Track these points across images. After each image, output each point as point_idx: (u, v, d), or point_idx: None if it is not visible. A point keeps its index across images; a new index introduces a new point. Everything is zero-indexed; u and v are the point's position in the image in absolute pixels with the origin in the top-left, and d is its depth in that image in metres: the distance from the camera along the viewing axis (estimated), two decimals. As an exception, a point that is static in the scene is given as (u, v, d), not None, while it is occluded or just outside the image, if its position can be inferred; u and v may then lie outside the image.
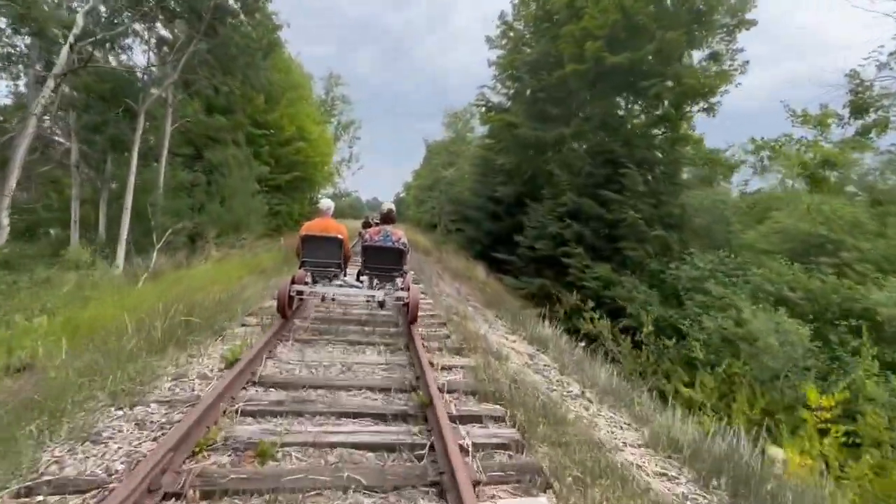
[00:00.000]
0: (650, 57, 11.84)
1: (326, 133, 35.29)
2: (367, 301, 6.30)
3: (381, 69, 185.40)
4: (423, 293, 8.15)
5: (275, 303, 5.36)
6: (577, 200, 12.63)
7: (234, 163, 17.65)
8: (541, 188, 15.82)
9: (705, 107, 12.25)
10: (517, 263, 14.96)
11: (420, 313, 5.65)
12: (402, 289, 5.49)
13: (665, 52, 11.83)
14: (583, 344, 7.17)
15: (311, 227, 5.55)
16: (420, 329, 5.47)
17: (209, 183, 17.55)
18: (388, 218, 5.90)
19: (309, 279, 5.57)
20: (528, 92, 16.62)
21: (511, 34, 20.48)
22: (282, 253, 15.38)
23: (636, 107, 13.28)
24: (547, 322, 8.90)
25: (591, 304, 9.35)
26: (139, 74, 12.51)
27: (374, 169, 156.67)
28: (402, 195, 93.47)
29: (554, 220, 13.20)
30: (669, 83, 11.94)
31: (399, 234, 5.67)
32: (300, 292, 5.23)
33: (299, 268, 5.59)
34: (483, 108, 20.85)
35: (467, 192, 23.98)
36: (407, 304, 5.26)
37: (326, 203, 5.86)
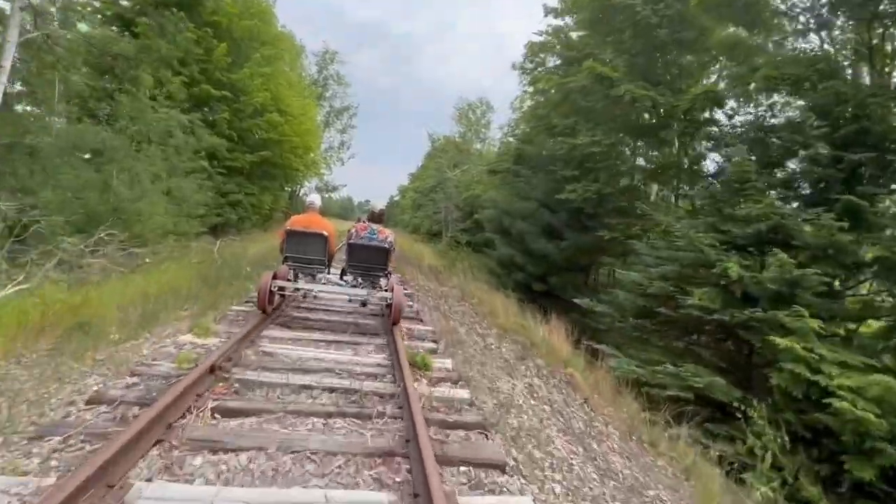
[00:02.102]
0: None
1: (313, 111, 28.44)
2: (350, 300, 5.63)
3: (379, 73, 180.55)
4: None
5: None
6: (782, 213, 6.04)
7: (134, 116, 10.76)
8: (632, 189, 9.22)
9: None
10: (613, 320, 8.27)
11: None
12: (386, 289, 5.30)
13: None
14: None
15: (295, 221, 5.52)
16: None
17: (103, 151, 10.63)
18: (375, 217, 5.77)
19: (291, 275, 5.40)
20: (630, 34, 10.08)
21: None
22: (188, 276, 8.30)
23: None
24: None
25: None
26: None
27: (368, 171, 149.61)
28: (396, 198, 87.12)
29: (717, 249, 6.56)
30: None
31: (386, 232, 5.56)
32: (281, 288, 5.10)
33: (282, 263, 5.46)
34: (533, 69, 14.25)
35: (497, 193, 17.23)
36: (390, 305, 4.97)
37: (312, 198, 5.83)
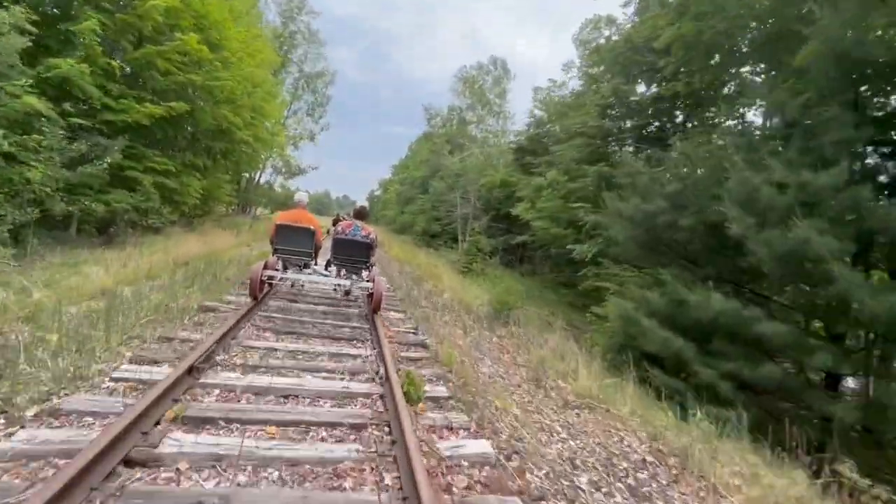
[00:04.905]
0: None
1: (268, 55, 19.84)
2: (335, 289, 6.33)
3: (358, 70, 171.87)
4: None
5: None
6: None
7: None
8: None
9: None
10: None
11: None
12: (367, 280, 5.62)
13: None
14: None
15: (285, 216, 5.86)
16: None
17: None
18: (360, 214, 6.04)
19: (280, 266, 5.72)
20: None
21: None
22: None
23: None
24: None
25: None
26: None
27: (343, 166, 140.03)
28: (377, 192, 78.29)
29: None
30: None
31: (369, 229, 5.83)
32: (271, 277, 5.38)
33: (272, 254, 5.78)
34: None
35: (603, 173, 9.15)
36: (371, 294, 5.36)
37: (300, 195, 6.17)
